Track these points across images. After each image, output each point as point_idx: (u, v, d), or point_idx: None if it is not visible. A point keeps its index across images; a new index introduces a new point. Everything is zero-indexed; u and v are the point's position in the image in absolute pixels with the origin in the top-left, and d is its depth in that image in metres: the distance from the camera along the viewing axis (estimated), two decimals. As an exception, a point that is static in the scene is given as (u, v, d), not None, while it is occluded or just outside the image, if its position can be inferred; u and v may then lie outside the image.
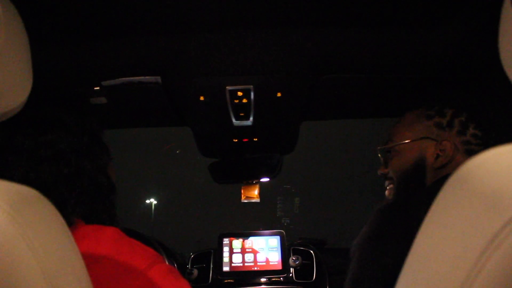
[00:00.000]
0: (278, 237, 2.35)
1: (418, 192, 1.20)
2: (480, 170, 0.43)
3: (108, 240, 0.84)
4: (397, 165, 1.34)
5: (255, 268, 2.28)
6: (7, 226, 0.49)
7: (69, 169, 0.88)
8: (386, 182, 1.43)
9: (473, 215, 0.41)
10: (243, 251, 2.32)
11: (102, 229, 0.86)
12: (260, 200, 2.26)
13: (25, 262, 0.49)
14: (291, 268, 2.29)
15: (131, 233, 2.07)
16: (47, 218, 0.57)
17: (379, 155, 1.46)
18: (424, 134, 1.29)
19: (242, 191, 2.24)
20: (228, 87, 1.37)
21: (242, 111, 1.51)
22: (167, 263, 0.89)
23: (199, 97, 1.43)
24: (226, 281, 2.27)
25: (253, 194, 2.24)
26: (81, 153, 0.92)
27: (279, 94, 1.42)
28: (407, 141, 1.32)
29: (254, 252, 2.31)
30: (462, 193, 0.44)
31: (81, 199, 0.90)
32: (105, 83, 1.39)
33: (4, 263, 0.47)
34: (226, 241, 2.35)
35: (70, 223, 0.84)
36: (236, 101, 1.43)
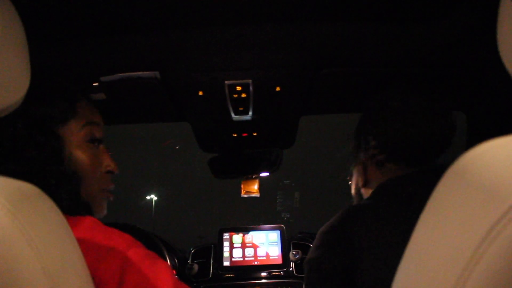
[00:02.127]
0: (278, 232, 2.35)
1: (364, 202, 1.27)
2: (476, 163, 0.43)
3: (84, 227, 0.84)
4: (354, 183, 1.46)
5: (256, 263, 2.29)
6: (7, 222, 0.49)
7: (11, 164, 0.86)
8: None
9: (470, 207, 0.41)
10: (243, 245, 2.33)
11: (80, 219, 0.86)
12: (260, 195, 2.26)
13: (25, 259, 0.49)
14: (291, 263, 2.30)
15: (131, 228, 2.08)
16: (47, 214, 0.57)
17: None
18: (357, 159, 1.39)
19: (242, 186, 2.24)
20: (227, 82, 1.37)
21: (241, 105, 1.51)
22: (144, 248, 0.89)
23: (198, 92, 1.43)
24: (226, 275, 2.28)
25: (253, 189, 2.24)
26: (20, 143, 0.88)
27: (278, 89, 1.42)
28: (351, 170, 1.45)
29: (254, 246, 2.32)
30: (459, 185, 0.44)
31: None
32: (104, 78, 1.38)
33: (4, 259, 0.47)
34: (226, 235, 2.36)
35: None
36: (235, 95, 1.43)
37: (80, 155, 0.99)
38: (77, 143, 0.99)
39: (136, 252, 0.85)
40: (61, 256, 0.55)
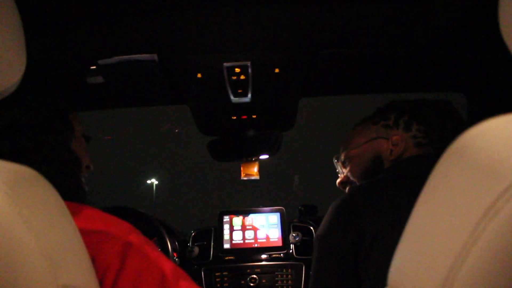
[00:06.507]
0: (278, 214, 2.36)
1: (377, 178, 1.31)
2: (476, 141, 0.43)
3: (83, 216, 0.85)
4: (356, 167, 1.45)
5: (256, 245, 2.30)
6: (5, 205, 0.49)
7: (26, 142, 0.90)
8: (347, 189, 1.52)
9: (469, 186, 0.41)
10: (244, 228, 2.34)
11: (78, 207, 0.87)
12: (260, 177, 2.26)
13: (23, 241, 0.49)
14: (291, 245, 2.31)
15: (132, 212, 2.09)
16: (45, 196, 0.57)
17: (337, 165, 1.58)
18: (375, 135, 1.41)
19: (241, 169, 2.24)
20: (226, 64, 1.36)
21: (240, 87, 1.50)
22: (143, 235, 0.90)
23: (197, 74, 1.42)
24: (227, 258, 2.30)
25: (253, 171, 2.24)
26: (40, 127, 0.93)
27: (277, 70, 1.41)
28: (361, 144, 1.43)
29: (254, 229, 2.33)
30: (459, 164, 0.44)
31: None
32: (102, 62, 1.37)
33: (2, 242, 0.47)
34: (226, 218, 2.37)
35: None
36: (234, 77, 1.43)
37: (78, 147, 1.05)
38: (76, 135, 1.06)
39: (137, 238, 0.86)
40: (59, 238, 0.56)
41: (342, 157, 1.49)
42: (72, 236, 0.60)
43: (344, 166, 1.50)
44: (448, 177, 0.45)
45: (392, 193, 1.18)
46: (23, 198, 0.51)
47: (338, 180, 1.54)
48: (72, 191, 0.95)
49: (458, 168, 0.43)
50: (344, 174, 1.50)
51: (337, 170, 1.58)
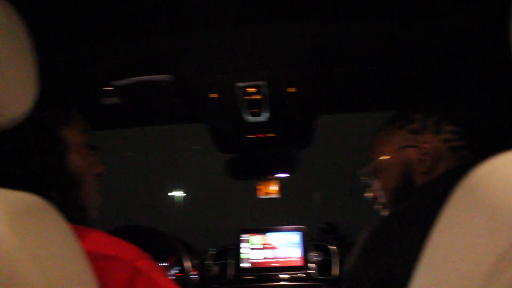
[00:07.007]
0: (299, 233, 2.31)
1: (408, 203, 1.17)
2: (488, 179, 0.39)
3: (91, 240, 0.83)
4: (385, 183, 1.30)
5: (275, 264, 2.26)
6: (8, 237, 0.48)
7: (15, 169, 0.85)
8: (377, 207, 1.39)
9: (482, 229, 0.37)
10: (263, 247, 2.30)
11: (86, 232, 0.85)
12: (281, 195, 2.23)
13: (28, 274, 0.48)
14: (312, 264, 2.26)
15: (148, 230, 2.08)
16: (51, 226, 0.56)
17: (364, 179, 1.42)
18: (402, 143, 1.25)
19: (260, 187, 2.22)
20: (240, 84, 1.37)
21: (255, 107, 1.50)
22: (153, 260, 0.87)
23: (211, 95, 1.42)
24: (245, 277, 2.26)
25: (273, 190, 2.22)
26: (27, 151, 0.87)
27: (291, 89, 1.40)
28: (387, 156, 1.27)
29: (274, 248, 2.29)
30: (470, 204, 0.40)
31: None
32: (117, 83, 1.39)
33: (6, 275, 0.46)
34: (245, 237, 2.33)
35: None
36: (249, 97, 1.42)
37: (79, 160, 0.98)
38: (77, 147, 0.98)
39: (145, 263, 0.84)
40: (66, 269, 0.54)
41: (370, 169, 1.35)
42: (79, 265, 0.58)
43: (373, 178, 1.36)
44: (458, 218, 0.41)
45: (426, 225, 1.04)
46: (28, 229, 0.50)
47: (367, 194, 1.40)
48: (70, 213, 0.88)
49: (469, 209, 0.40)
50: (374, 189, 1.36)
51: (365, 183, 1.42)
